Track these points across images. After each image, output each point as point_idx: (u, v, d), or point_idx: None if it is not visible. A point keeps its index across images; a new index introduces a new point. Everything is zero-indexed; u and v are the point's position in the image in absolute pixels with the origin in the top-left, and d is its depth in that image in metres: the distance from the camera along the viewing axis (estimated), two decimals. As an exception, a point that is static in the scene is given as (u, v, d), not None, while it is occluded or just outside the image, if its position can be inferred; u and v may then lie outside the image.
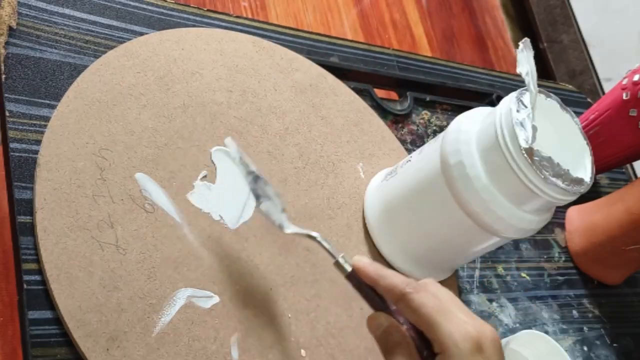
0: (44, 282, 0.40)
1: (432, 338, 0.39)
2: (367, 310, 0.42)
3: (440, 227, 0.50)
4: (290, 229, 0.45)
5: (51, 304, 0.40)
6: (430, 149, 0.51)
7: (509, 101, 0.46)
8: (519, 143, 0.44)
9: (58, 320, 0.39)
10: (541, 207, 0.47)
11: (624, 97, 0.68)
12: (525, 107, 0.45)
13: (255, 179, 0.45)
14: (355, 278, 0.41)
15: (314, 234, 0.44)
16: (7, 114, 0.43)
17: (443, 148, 0.48)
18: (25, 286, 0.40)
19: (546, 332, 0.63)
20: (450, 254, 0.53)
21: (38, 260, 0.40)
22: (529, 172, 0.44)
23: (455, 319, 0.38)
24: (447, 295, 0.40)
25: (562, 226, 0.72)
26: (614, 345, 0.67)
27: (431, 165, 0.49)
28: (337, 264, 0.42)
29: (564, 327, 0.65)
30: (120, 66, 0.49)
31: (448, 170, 0.47)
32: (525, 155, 0.44)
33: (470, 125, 0.48)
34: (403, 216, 0.53)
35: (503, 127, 0.45)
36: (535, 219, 0.48)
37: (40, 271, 0.40)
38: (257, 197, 0.45)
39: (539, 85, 0.48)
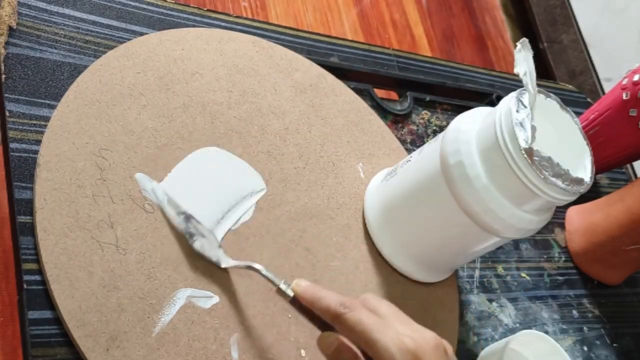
0: (44, 282, 0.40)
1: (372, 355, 0.38)
2: None
3: (440, 227, 0.50)
4: (228, 263, 0.45)
5: (51, 304, 0.40)
6: (430, 149, 0.51)
7: (508, 101, 0.46)
8: (518, 143, 0.44)
9: (58, 320, 0.39)
10: (541, 207, 0.47)
11: (624, 97, 0.68)
12: (525, 107, 0.45)
13: (186, 218, 0.45)
14: (298, 303, 0.42)
15: (254, 265, 0.44)
16: (7, 114, 0.44)
17: (443, 148, 0.48)
18: (25, 286, 0.40)
19: (546, 332, 0.63)
20: (450, 253, 0.53)
21: (38, 260, 0.40)
22: (528, 172, 0.44)
23: (391, 333, 0.37)
24: (387, 309, 0.39)
25: (562, 226, 0.72)
26: (614, 345, 0.67)
27: (431, 165, 0.49)
28: (279, 291, 0.42)
29: (564, 327, 0.65)
30: (120, 66, 0.49)
31: (448, 170, 0.47)
32: (525, 155, 0.44)
33: (470, 125, 0.48)
34: (403, 216, 0.53)
35: (503, 127, 0.45)
36: (535, 218, 0.48)
37: (40, 271, 0.40)
38: (191, 236, 0.45)
39: (539, 85, 0.48)
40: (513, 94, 0.46)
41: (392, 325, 0.38)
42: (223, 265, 0.45)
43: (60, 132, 0.44)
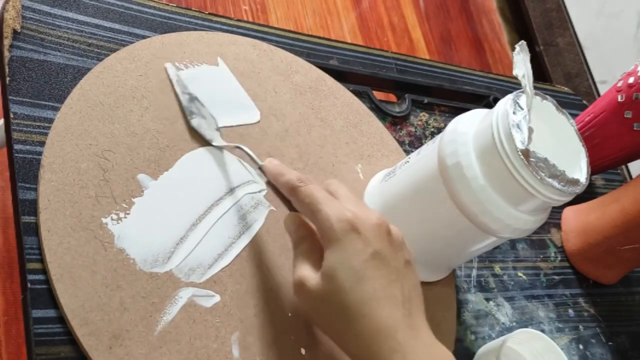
0: (47, 281, 0.40)
1: (315, 225, 0.39)
2: None
3: (437, 227, 0.51)
4: (218, 142, 0.49)
5: (55, 303, 0.40)
6: (428, 150, 0.51)
7: (505, 103, 0.46)
8: (515, 144, 0.45)
9: (61, 319, 0.40)
10: (537, 208, 0.48)
11: (619, 99, 0.68)
12: (522, 109, 0.46)
13: (190, 98, 0.48)
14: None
15: (241, 146, 0.47)
16: (11, 116, 0.44)
17: (440, 149, 0.49)
18: (29, 285, 0.40)
19: (542, 331, 0.63)
20: (448, 253, 0.54)
21: (42, 259, 0.41)
22: (525, 173, 0.45)
23: (336, 205, 0.39)
24: (344, 193, 0.41)
25: (558, 226, 0.73)
26: (609, 343, 0.68)
27: (429, 166, 0.50)
28: (261, 170, 0.45)
29: (560, 325, 0.65)
30: (123, 69, 0.49)
31: (445, 171, 0.48)
32: (522, 156, 0.44)
33: (468, 127, 0.48)
34: (401, 216, 0.53)
35: (499, 128, 0.45)
36: (532, 219, 0.48)
37: (44, 271, 0.41)
38: (191, 114, 0.48)
39: (535, 88, 0.49)
40: (510, 96, 0.47)
41: (340, 202, 0.39)
42: (214, 144, 0.48)
43: (63, 133, 0.45)
